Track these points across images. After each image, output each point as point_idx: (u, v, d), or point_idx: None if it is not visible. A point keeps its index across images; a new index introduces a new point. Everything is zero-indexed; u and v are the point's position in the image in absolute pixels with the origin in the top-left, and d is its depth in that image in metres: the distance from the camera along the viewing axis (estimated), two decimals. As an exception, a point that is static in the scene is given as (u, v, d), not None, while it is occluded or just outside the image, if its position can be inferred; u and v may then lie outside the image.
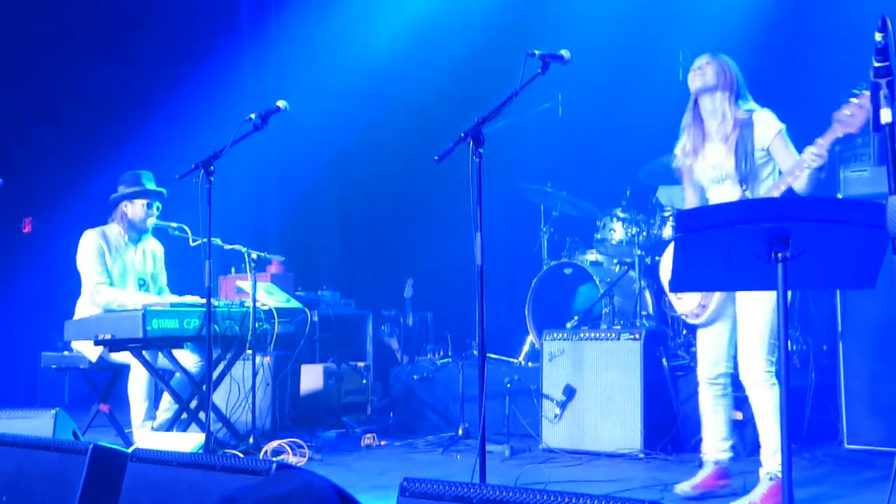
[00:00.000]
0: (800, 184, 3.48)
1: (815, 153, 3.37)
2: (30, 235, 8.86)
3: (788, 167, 3.56)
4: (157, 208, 5.39)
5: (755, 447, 4.72)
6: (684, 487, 3.83)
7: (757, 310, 3.65)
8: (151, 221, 5.35)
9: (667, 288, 4.01)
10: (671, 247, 4.06)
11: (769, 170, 3.75)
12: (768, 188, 3.66)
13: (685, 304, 3.91)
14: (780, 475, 3.54)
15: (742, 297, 3.72)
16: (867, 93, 3.18)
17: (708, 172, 3.82)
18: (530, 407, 5.36)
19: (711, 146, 3.81)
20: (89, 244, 5.23)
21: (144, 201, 5.32)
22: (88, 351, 5.09)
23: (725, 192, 3.78)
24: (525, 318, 6.15)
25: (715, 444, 3.94)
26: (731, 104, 3.77)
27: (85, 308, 5.19)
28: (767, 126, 3.71)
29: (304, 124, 7.39)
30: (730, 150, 3.73)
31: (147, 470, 2.50)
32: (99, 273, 5.19)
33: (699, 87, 3.81)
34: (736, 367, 3.84)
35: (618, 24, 7.08)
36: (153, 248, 5.52)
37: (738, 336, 3.75)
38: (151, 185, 5.36)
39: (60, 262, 5.30)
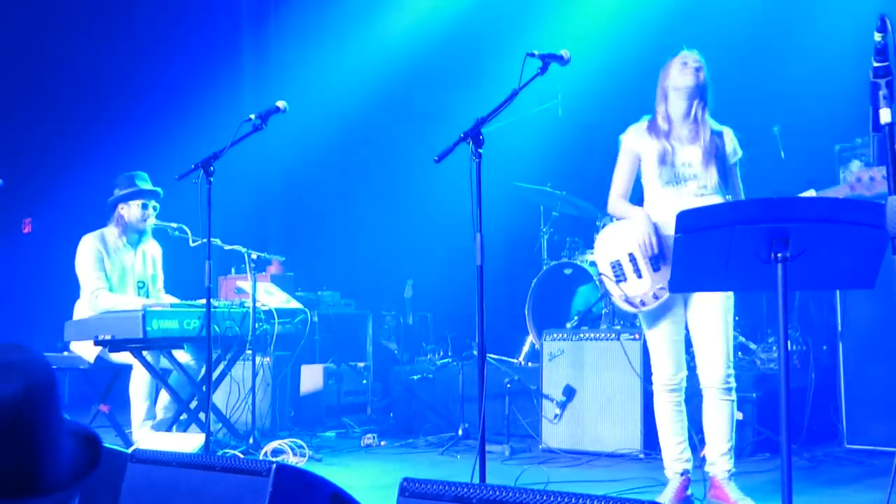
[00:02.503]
0: None
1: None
2: (30, 235, 8.86)
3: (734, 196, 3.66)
4: (155, 208, 5.38)
5: (754, 448, 4.74)
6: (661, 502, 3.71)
7: (719, 313, 3.59)
8: (151, 222, 5.34)
9: (603, 270, 3.80)
10: (605, 231, 3.98)
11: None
12: None
13: (640, 286, 3.66)
14: (715, 474, 3.61)
15: (698, 300, 3.64)
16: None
17: (674, 169, 3.68)
18: (530, 407, 5.36)
19: (681, 146, 3.69)
20: (87, 249, 5.21)
21: (140, 202, 5.30)
22: (86, 352, 5.08)
23: (683, 195, 3.65)
24: (525, 318, 6.15)
25: (680, 455, 3.78)
26: (705, 112, 3.73)
27: (83, 311, 5.18)
28: (735, 147, 3.73)
29: (304, 124, 7.39)
30: (708, 157, 3.64)
31: (147, 470, 2.50)
32: (97, 279, 5.17)
33: (691, 86, 3.68)
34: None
35: (618, 24, 7.08)
36: (153, 250, 5.51)
37: (698, 340, 3.65)
38: (147, 185, 5.35)
39: (60, 263, 5.30)
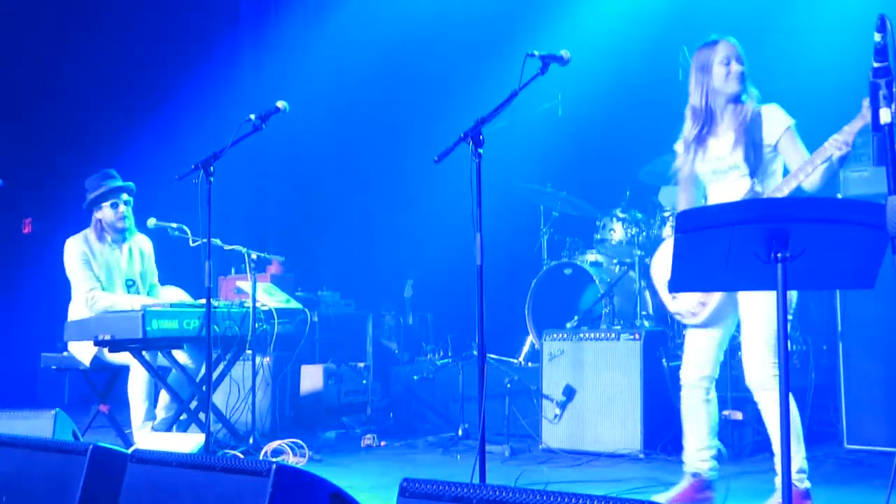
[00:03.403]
0: (812, 180, 3.33)
1: (841, 140, 3.19)
2: (30, 236, 8.87)
3: (798, 164, 3.41)
4: (127, 203, 5.29)
5: (754, 448, 4.74)
6: (660, 501, 3.65)
7: (761, 312, 3.49)
8: (124, 224, 5.25)
9: (658, 287, 3.85)
10: (664, 245, 3.95)
11: (777, 164, 3.57)
12: (777, 185, 3.48)
13: (683, 302, 3.69)
14: (797, 484, 3.39)
15: (745, 299, 3.56)
16: None
17: (711, 164, 3.62)
18: (530, 407, 5.36)
19: (715, 139, 3.62)
20: (73, 252, 5.18)
21: (110, 202, 5.23)
22: (82, 354, 5.07)
23: (729, 185, 3.57)
24: (525, 318, 6.15)
25: (695, 454, 3.71)
26: (744, 100, 3.58)
27: (78, 313, 5.15)
28: (777, 121, 3.52)
29: (303, 125, 7.39)
30: (737, 141, 3.54)
31: (147, 470, 2.50)
32: (88, 278, 5.14)
33: (738, 92, 3.57)
34: (721, 370, 3.77)
35: (618, 24, 7.08)
36: (141, 245, 5.44)
37: (744, 339, 3.58)
38: (115, 183, 5.27)
39: (60, 263, 5.29)
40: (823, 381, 4.95)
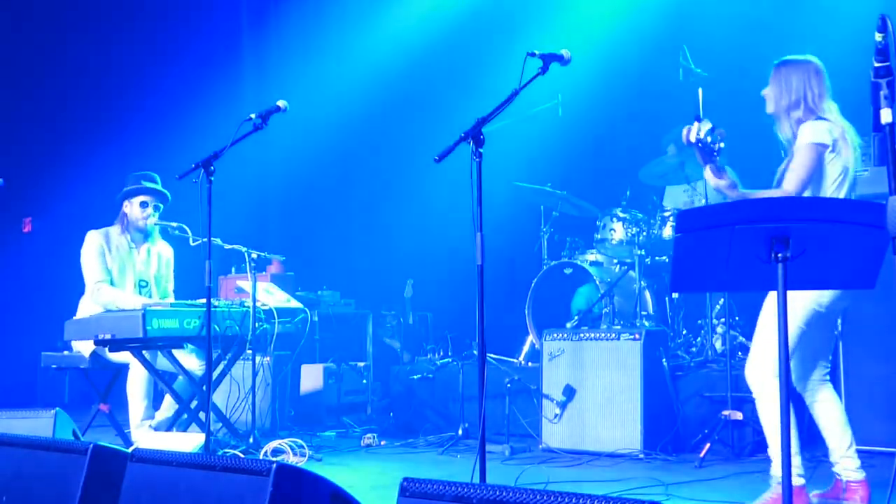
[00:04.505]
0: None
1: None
2: (30, 235, 8.87)
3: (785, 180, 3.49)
4: (157, 208, 5.38)
5: (754, 448, 4.74)
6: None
7: (765, 314, 3.50)
8: (151, 221, 5.35)
9: None
10: None
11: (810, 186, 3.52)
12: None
13: None
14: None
15: (769, 299, 3.54)
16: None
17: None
18: (530, 407, 5.36)
19: None
20: (90, 244, 5.27)
21: (140, 199, 5.32)
22: (84, 349, 5.09)
23: None
24: (525, 318, 6.15)
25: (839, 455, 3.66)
26: (793, 126, 3.56)
27: (88, 307, 5.21)
28: (801, 136, 3.52)
29: (304, 124, 7.39)
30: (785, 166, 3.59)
31: (147, 470, 2.50)
32: (99, 271, 5.22)
33: (770, 115, 3.65)
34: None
35: (618, 24, 7.08)
36: (161, 250, 5.52)
37: (755, 337, 3.58)
38: (151, 185, 5.36)
39: (60, 262, 5.31)
40: (823, 381, 4.94)
